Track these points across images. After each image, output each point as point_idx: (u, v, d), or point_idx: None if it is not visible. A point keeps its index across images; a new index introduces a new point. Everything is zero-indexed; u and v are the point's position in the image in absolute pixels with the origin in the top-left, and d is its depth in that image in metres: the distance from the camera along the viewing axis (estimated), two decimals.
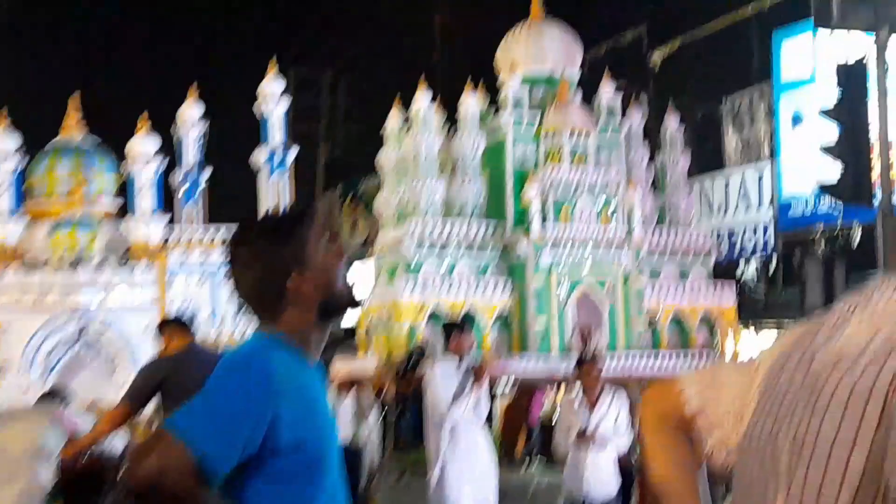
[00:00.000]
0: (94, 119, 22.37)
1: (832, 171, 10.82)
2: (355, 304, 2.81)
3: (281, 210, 2.93)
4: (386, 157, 26.30)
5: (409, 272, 22.88)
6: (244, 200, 24.63)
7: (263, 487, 2.46)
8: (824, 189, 11.38)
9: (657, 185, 26.52)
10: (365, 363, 19.49)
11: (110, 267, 19.02)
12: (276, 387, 2.45)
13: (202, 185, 23.17)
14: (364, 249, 27.21)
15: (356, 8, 40.29)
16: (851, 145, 10.59)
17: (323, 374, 2.79)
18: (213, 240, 21.86)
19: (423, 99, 25.23)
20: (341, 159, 40.99)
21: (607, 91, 25.99)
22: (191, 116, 22.83)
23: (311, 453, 2.51)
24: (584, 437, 8.83)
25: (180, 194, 23.74)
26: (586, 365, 9.29)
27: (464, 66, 27.52)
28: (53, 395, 7.68)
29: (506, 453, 21.70)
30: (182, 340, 6.64)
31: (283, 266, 2.58)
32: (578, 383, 9.16)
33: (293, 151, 24.99)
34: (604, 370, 9.52)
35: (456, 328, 9.12)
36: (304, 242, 2.61)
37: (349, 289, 2.70)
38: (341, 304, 2.70)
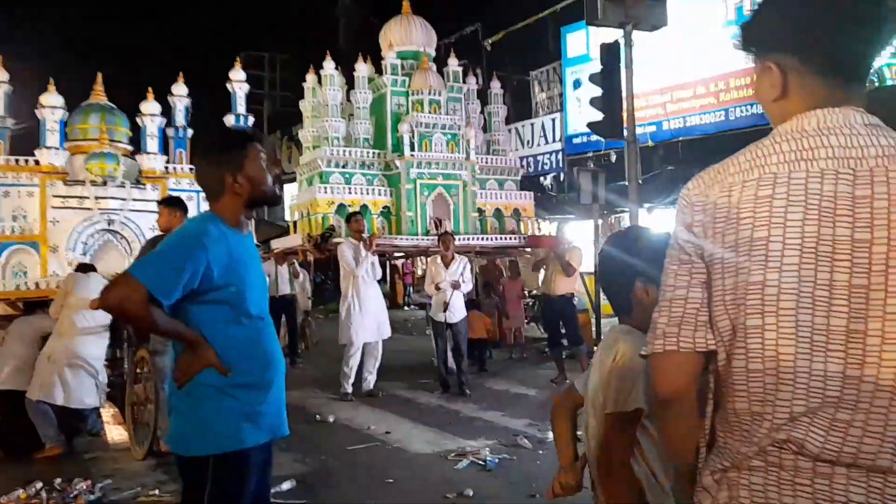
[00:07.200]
0: (112, 90, 21.94)
1: (597, 116, 11.01)
2: (276, 202, 2.86)
3: (231, 129, 2.97)
4: (306, 105, 25.90)
5: (322, 181, 22.73)
6: None
7: (203, 308, 2.47)
8: (592, 128, 11.49)
9: (486, 127, 26.70)
10: (294, 240, 19.51)
11: (129, 185, 19.26)
12: (210, 244, 2.46)
13: (188, 137, 22.62)
14: (294, 174, 26.86)
15: (286, 8, 40.15)
16: (609, 99, 10.69)
17: (252, 240, 2.76)
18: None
19: (329, 65, 24.77)
20: (279, 113, 40.38)
21: (453, 64, 25.86)
22: (179, 93, 22.45)
23: (236, 288, 2.51)
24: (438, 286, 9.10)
25: (173, 143, 23.44)
26: (444, 239, 9.54)
27: (358, 46, 26.99)
28: (87, 266, 7.32)
29: (391, 300, 22.05)
30: (178, 220, 6.02)
31: (224, 168, 2.60)
32: (440, 252, 9.37)
33: (251, 118, 24.79)
34: (454, 243, 9.70)
35: (354, 217, 9.18)
36: (242, 156, 2.60)
37: (272, 190, 2.70)
38: (265, 200, 2.71)
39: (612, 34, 11.45)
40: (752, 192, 1.27)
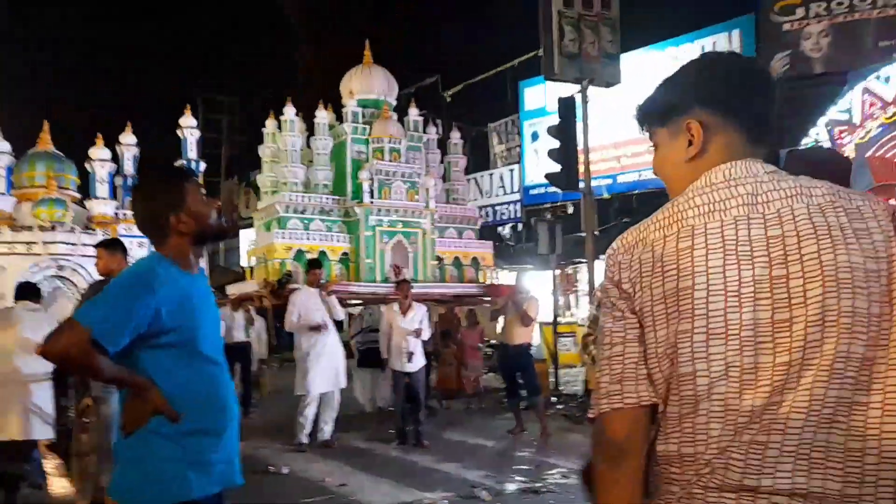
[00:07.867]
0: (59, 138, 21.77)
1: (555, 168, 11.15)
2: (224, 235, 2.76)
3: (162, 168, 2.86)
4: (265, 150, 25.84)
5: (280, 226, 22.61)
6: None
7: (153, 353, 2.39)
8: (550, 179, 11.64)
9: (446, 176, 26.94)
10: (250, 285, 19.27)
11: (78, 230, 18.81)
12: (158, 286, 2.37)
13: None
14: (251, 219, 26.60)
15: (246, 54, 40.29)
16: (566, 152, 10.90)
17: (205, 280, 2.67)
18: None
19: (290, 111, 24.87)
20: (237, 158, 39.98)
21: (414, 114, 26.18)
22: (127, 142, 22.41)
23: (186, 332, 2.42)
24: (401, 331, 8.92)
25: (122, 191, 23.11)
26: (402, 286, 9.47)
27: (319, 93, 27.18)
28: (29, 287, 6.92)
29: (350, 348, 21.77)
30: (119, 262, 5.60)
31: (165, 208, 2.52)
32: (397, 299, 9.25)
33: (203, 164, 24.62)
34: (411, 291, 9.62)
35: (311, 269, 9.05)
36: (182, 193, 2.52)
37: (219, 224, 2.61)
38: (212, 234, 2.64)
39: (569, 88, 11.70)
40: (673, 246, 1.35)
